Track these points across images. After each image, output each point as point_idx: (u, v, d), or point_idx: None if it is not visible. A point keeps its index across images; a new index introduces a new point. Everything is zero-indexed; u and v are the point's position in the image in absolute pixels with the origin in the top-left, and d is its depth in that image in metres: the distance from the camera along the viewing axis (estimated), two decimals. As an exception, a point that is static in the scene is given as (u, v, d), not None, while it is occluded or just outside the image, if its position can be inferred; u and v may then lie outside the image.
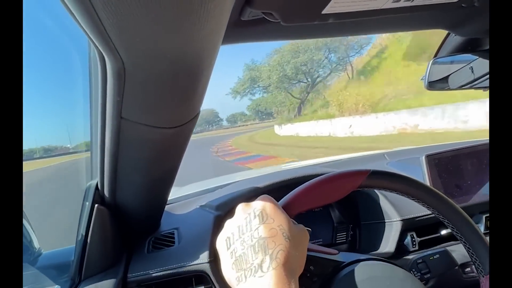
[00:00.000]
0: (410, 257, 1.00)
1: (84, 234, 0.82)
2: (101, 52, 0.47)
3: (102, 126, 0.66)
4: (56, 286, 0.88)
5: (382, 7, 0.56)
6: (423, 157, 1.08)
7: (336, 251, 0.65)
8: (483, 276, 0.59)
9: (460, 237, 0.61)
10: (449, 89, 1.01)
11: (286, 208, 0.54)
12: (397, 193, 0.60)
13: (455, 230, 0.61)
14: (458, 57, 0.96)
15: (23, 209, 0.93)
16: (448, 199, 0.60)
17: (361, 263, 0.60)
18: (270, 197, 0.54)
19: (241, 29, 0.64)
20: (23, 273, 0.90)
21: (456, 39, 0.92)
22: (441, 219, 0.61)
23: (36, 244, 0.94)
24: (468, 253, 0.61)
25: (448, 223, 0.61)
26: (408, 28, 0.78)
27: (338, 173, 0.59)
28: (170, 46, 0.44)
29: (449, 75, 1.00)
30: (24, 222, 0.91)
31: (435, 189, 0.61)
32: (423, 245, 1.04)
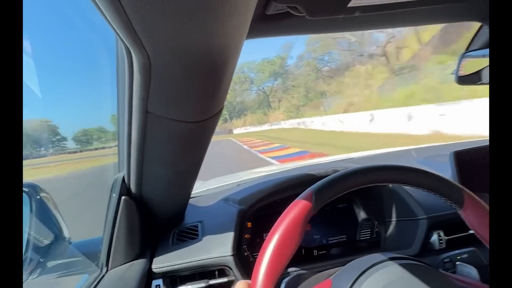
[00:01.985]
0: (437, 256, 0.98)
1: (111, 225, 0.84)
2: (127, 47, 0.48)
3: (128, 121, 0.68)
4: (85, 274, 0.91)
5: None
6: (452, 154, 1.05)
7: None
8: (460, 209, 0.60)
9: (430, 191, 0.60)
10: (482, 83, 0.97)
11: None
12: (359, 188, 0.59)
13: (424, 189, 0.60)
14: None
15: (55, 200, 0.96)
16: (401, 165, 0.60)
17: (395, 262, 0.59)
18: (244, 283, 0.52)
19: (265, 23, 0.64)
20: (55, 261, 0.93)
21: (488, 32, 0.88)
22: (409, 186, 0.61)
23: (66, 233, 0.97)
24: (443, 200, 0.61)
25: (416, 187, 0.60)
26: (438, 20, 0.76)
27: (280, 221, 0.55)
28: (195, 41, 0.44)
29: (481, 69, 0.96)
30: (55, 212, 0.94)
31: (381, 164, 0.59)
32: (451, 244, 1.01)
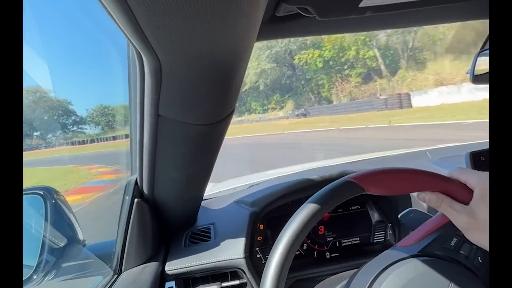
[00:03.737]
0: None
1: (124, 227, 0.85)
2: (138, 51, 0.49)
3: (140, 123, 0.68)
4: (99, 276, 0.92)
5: None
6: (468, 155, 1.03)
7: None
8: None
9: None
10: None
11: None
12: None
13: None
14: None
15: (70, 204, 0.97)
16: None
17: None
18: None
19: (275, 25, 0.64)
20: (69, 263, 0.94)
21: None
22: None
23: (80, 236, 0.98)
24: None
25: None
26: (450, 19, 0.75)
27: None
28: (205, 44, 0.44)
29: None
30: (69, 214, 0.96)
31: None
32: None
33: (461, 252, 0.55)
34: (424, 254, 0.54)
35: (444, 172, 0.58)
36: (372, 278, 0.53)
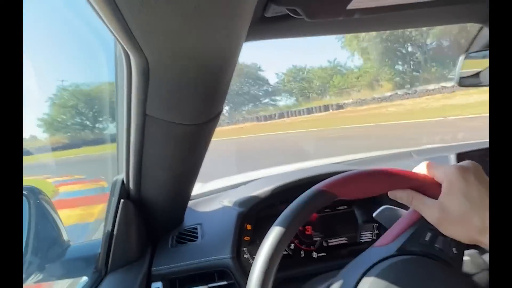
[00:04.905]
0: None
1: (110, 227, 0.84)
2: (126, 50, 0.48)
3: (127, 123, 0.67)
4: (84, 277, 0.91)
5: (410, 1, 0.54)
6: (453, 156, 1.05)
7: None
8: None
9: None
10: (481, 85, 0.97)
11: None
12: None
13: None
14: (491, 52, 0.92)
15: (52, 201, 0.96)
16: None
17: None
18: None
19: (264, 25, 0.64)
20: (52, 264, 0.93)
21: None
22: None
23: (64, 236, 0.97)
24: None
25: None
26: (438, 22, 0.76)
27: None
28: (193, 44, 0.44)
29: (481, 70, 0.96)
30: (54, 215, 0.94)
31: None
32: None
33: (436, 245, 0.55)
34: (401, 253, 0.55)
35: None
36: (354, 283, 0.54)
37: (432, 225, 0.54)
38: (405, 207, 0.62)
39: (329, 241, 1.10)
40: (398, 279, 0.51)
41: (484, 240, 0.48)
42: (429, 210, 0.52)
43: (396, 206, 0.72)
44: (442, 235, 0.54)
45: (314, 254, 1.08)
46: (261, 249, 0.50)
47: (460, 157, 1.04)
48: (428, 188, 0.54)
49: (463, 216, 0.49)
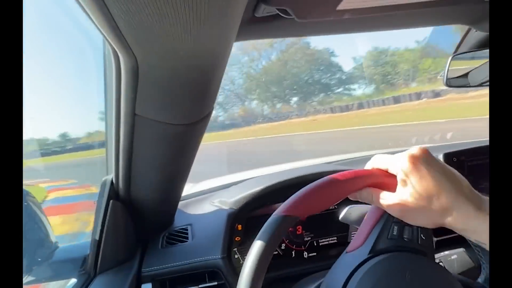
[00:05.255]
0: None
1: (99, 228, 0.83)
2: (115, 49, 0.48)
3: (116, 123, 0.67)
4: (72, 279, 0.90)
5: (400, 2, 0.55)
6: (441, 156, 1.06)
7: None
8: None
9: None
10: (469, 86, 0.98)
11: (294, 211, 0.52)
12: None
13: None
14: (478, 53, 0.94)
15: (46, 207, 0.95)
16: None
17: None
18: None
19: (254, 25, 0.63)
20: (40, 266, 0.92)
21: (477, 35, 0.89)
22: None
23: (52, 238, 0.96)
24: None
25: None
26: (428, 23, 0.76)
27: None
28: (183, 44, 0.43)
29: (469, 71, 0.97)
30: (41, 216, 0.93)
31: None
32: (440, 245, 1.02)
33: (404, 237, 0.56)
34: (374, 254, 0.55)
35: None
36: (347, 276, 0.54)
37: (396, 218, 0.55)
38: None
39: (319, 241, 1.10)
40: (379, 282, 0.51)
41: (447, 222, 0.49)
42: (390, 204, 0.53)
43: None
44: (408, 225, 0.55)
45: (305, 254, 1.08)
46: (239, 285, 0.49)
47: (448, 157, 1.05)
48: (385, 182, 0.55)
49: (421, 203, 0.49)
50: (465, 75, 0.98)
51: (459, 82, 0.99)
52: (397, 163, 0.52)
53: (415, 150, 0.51)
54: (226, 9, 0.39)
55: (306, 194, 0.53)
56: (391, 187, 0.53)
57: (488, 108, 0.40)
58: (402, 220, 0.54)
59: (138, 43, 0.43)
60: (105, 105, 0.75)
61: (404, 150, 0.53)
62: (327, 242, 1.11)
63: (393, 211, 0.53)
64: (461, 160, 1.06)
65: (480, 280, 0.65)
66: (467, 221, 0.47)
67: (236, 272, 0.90)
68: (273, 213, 0.52)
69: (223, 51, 0.51)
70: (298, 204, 0.52)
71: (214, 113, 0.71)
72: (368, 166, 0.58)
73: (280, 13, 0.54)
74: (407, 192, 0.50)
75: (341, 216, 0.69)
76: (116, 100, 0.62)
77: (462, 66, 0.98)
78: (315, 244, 1.10)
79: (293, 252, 1.08)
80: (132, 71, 0.51)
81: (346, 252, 0.60)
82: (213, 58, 0.51)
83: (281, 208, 0.52)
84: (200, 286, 0.90)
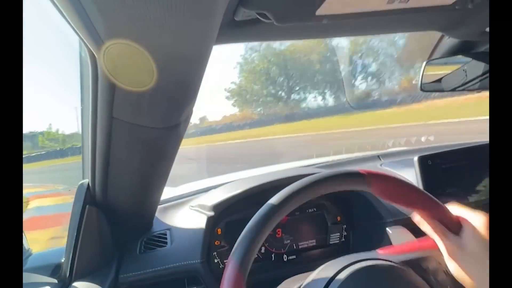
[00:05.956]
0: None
1: (75, 234, 0.81)
2: (92, 52, 0.47)
3: (93, 126, 0.66)
4: (47, 287, 0.87)
5: (376, 9, 0.56)
6: (416, 159, 1.09)
7: None
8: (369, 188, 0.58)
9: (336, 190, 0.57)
10: (443, 90, 1.02)
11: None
12: None
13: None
14: (451, 59, 0.97)
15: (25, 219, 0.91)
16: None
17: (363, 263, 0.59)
18: None
19: (234, 29, 0.64)
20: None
21: (450, 41, 0.92)
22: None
23: (25, 245, 0.93)
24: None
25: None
26: (403, 29, 0.78)
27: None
28: (161, 46, 0.43)
29: (442, 77, 1.00)
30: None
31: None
32: None
33: (433, 278, 0.59)
34: (401, 265, 0.57)
35: (395, 172, 0.61)
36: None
37: (442, 263, 0.57)
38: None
39: (299, 243, 1.11)
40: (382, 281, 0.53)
41: None
42: (449, 243, 0.54)
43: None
44: (446, 273, 0.58)
45: (285, 257, 1.09)
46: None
47: (423, 159, 1.08)
48: (450, 221, 0.56)
49: (478, 258, 0.50)
50: (439, 80, 1.01)
51: (433, 87, 1.02)
52: (472, 217, 0.54)
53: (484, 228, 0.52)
54: (206, 12, 0.39)
55: (391, 179, 0.55)
56: (454, 231, 0.55)
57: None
58: (446, 267, 0.56)
59: (113, 46, 0.43)
60: (81, 107, 0.73)
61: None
62: (306, 245, 1.12)
63: (448, 249, 0.55)
64: (436, 163, 1.09)
65: None
66: None
67: (215, 276, 0.90)
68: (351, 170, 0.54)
69: (203, 55, 0.51)
70: (379, 178, 0.55)
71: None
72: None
73: (259, 17, 0.55)
74: (470, 242, 0.52)
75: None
76: (93, 103, 0.61)
77: (435, 72, 1.01)
78: (295, 247, 1.11)
79: (272, 256, 1.08)
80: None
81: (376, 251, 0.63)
82: (193, 60, 0.50)
83: (359, 169, 0.54)
84: None
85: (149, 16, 0.36)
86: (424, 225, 0.59)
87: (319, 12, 0.53)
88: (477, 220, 0.53)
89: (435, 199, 0.58)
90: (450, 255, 0.55)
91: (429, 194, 0.57)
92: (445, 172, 1.09)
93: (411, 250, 0.60)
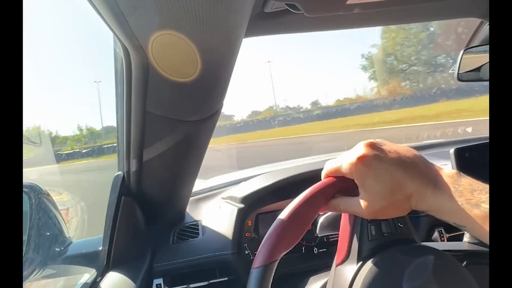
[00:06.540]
0: None
1: (111, 224, 0.84)
2: (125, 47, 0.48)
3: (127, 120, 0.67)
4: (86, 274, 0.91)
5: None
6: (452, 151, 1.04)
7: None
8: None
9: None
10: (482, 80, 0.97)
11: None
12: None
13: None
14: (492, 47, 0.92)
15: (54, 199, 0.96)
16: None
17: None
18: None
19: (264, 21, 0.63)
20: (54, 261, 0.93)
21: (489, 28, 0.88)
22: None
23: (66, 233, 0.97)
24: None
25: None
26: (439, 17, 0.76)
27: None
28: (193, 40, 0.44)
29: (482, 65, 0.96)
30: (55, 212, 0.94)
31: None
32: (452, 241, 1.01)
33: (384, 233, 0.55)
34: (364, 261, 0.54)
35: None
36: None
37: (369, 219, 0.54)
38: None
39: (329, 236, 1.10)
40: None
41: (414, 207, 0.49)
42: (358, 208, 0.51)
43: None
44: (383, 220, 0.55)
45: (315, 250, 1.08)
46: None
47: (460, 152, 1.04)
48: (345, 189, 0.53)
49: (386, 199, 0.49)
50: (478, 69, 0.96)
51: (472, 76, 0.97)
52: (351, 168, 0.50)
53: (362, 149, 0.50)
54: (235, 5, 0.39)
55: (277, 236, 0.51)
56: (353, 191, 0.52)
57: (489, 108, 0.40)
58: (375, 219, 0.54)
59: (149, 41, 0.44)
60: (116, 102, 0.75)
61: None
62: (337, 238, 1.10)
63: (363, 214, 0.52)
64: (473, 155, 1.05)
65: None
66: (429, 202, 0.47)
67: (246, 267, 0.91)
68: (252, 267, 0.50)
69: (233, 47, 0.51)
70: (274, 249, 0.51)
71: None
72: (323, 175, 0.56)
73: (289, 8, 0.54)
74: (369, 193, 0.50)
75: (318, 230, 0.68)
76: (127, 98, 0.63)
77: (474, 60, 0.97)
78: (325, 240, 1.10)
79: (303, 248, 1.08)
80: (142, 69, 0.51)
81: (336, 266, 0.59)
82: (223, 54, 0.51)
83: (258, 259, 0.50)
84: (210, 281, 0.91)
85: (181, 11, 0.37)
86: (331, 210, 0.56)
87: (350, 1, 0.52)
88: (355, 169, 0.50)
89: (314, 188, 0.54)
90: (369, 214, 0.51)
91: (305, 194, 0.53)
92: (485, 165, 1.04)
93: (349, 241, 0.57)
